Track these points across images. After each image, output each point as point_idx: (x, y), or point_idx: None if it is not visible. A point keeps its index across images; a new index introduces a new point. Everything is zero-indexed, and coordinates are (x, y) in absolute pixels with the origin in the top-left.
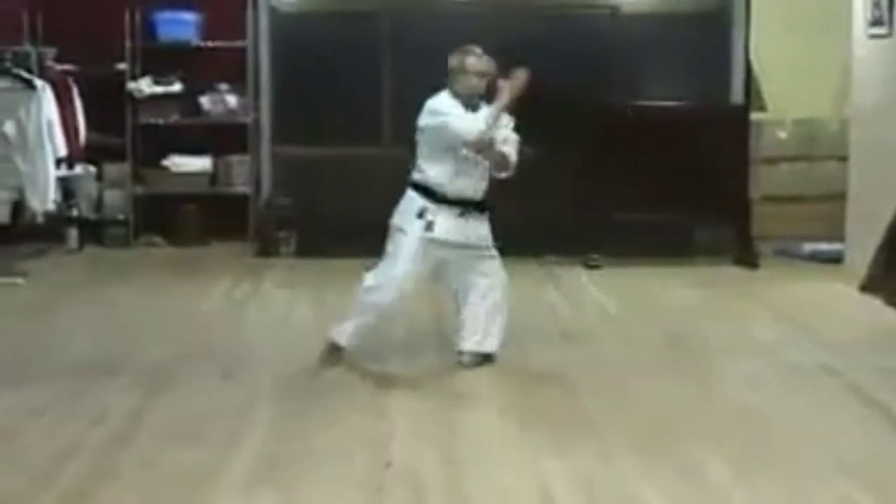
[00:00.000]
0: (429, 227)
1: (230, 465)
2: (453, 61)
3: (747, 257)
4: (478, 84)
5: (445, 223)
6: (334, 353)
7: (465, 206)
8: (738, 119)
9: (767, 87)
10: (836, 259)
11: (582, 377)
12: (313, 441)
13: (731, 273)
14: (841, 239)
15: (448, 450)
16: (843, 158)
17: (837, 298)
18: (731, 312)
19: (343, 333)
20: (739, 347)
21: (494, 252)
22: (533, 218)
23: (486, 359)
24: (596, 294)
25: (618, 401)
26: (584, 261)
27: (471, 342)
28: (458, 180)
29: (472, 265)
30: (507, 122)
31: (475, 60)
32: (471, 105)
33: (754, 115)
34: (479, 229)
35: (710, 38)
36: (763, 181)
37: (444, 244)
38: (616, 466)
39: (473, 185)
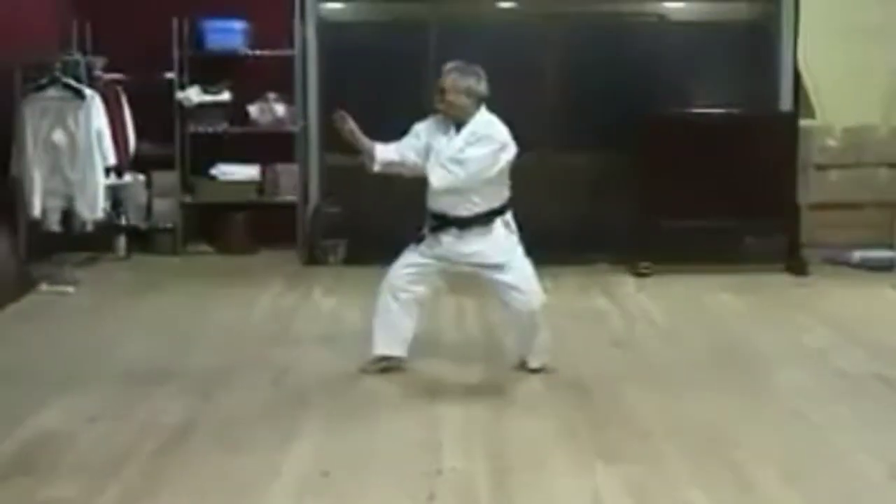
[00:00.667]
0: (419, 239)
1: (281, 472)
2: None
3: (797, 265)
4: (451, 101)
5: (428, 236)
6: (383, 364)
7: (443, 221)
8: (786, 126)
9: (815, 94)
10: (886, 266)
11: (632, 385)
12: (363, 448)
13: (781, 280)
14: (891, 246)
15: (498, 457)
16: (893, 165)
17: (887, 306)
18: (781, 320)
19: (374, 343)
20: (789, 355)
21: (505, 274)
22: (582, 225)
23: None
24: (645, 302)
25: (668, 408)
26: (634, 268)
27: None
28: (433, 197)
29: (482, 281)
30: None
31: (454, 77)
32: (456, 123)
33: (803, 123)
34: (468, 245)
35: (759, 46)
36: (812, 188)
37: (425, 254)
38: (667, 473)
39: (452, 203)
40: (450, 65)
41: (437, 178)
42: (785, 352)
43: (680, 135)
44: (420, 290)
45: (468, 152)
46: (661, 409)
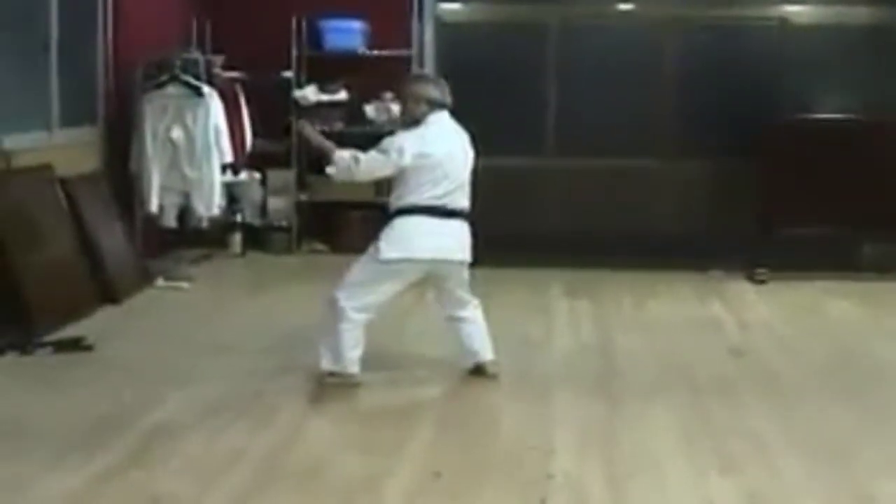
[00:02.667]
0: None
1: (394, 473)
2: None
3: None
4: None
5: None
6: None
7: None
8: None
9: None
10: None
11: (749, 393)
12: (476, 451)
13: None
14: None
15: (611, 462)
16: None
17: None
18: None
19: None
20: None
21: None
22: (698, 231)
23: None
24: (763, 309)
25: (787, 418)
26: (750, 275)
27: None
28: None
29: None
30: None
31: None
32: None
33: None
34: None
35: (881, 50)
36: None
37: None
38: (784, 485)
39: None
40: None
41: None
42: None
43: (799, 141)
44: None
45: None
46: (778, 418)
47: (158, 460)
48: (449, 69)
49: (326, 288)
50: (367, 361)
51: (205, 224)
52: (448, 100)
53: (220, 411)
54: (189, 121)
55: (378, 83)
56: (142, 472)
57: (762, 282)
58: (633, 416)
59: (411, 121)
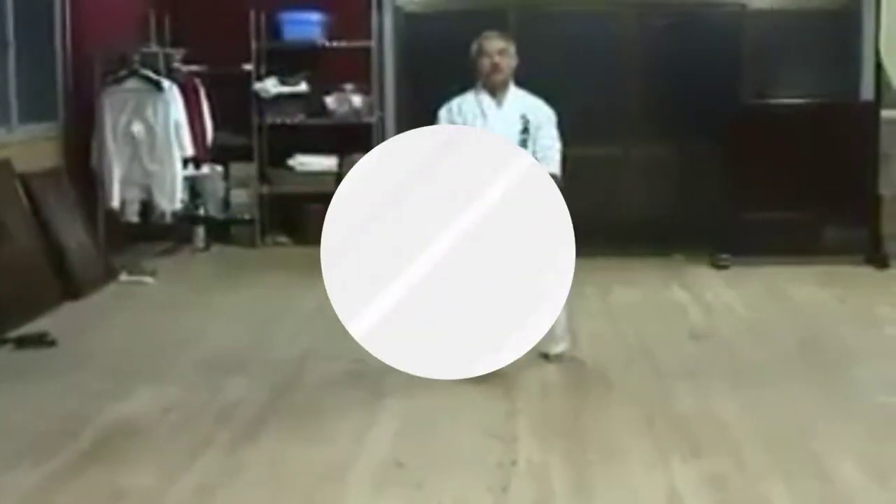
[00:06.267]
0: None
1: (357, 463)
2: (473, 47)
3: (878, 256)
4: (505, 64)
5: None
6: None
7: None
8: (867, 115)
9: None
10: None
11: (713, 378)
12: (439, 439)
13: (862, 272)
14: None
15: (574, 449)
16: None
17: None
18: (863, 313)
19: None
20: (873, 348)
21: None
22: (660, 216)
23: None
24: (725, 293)
25: (750, 402)
26: (712, 260)
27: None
28: None
29: None
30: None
31: (503, 41)
32: (491, 92)
33: (885, 112)
34: None
35: (839, 34)
36: (894, 178)
37: None
38: (747, 467)
39: None
40: (488, 32)
41: (557, 166)
42: (868, 345)
43: (761, 125)
44: None
45: (548, 129)
46: (740, 401)
47: (122, 455)
48: (409, 59)
49: (291, 280)
50: (330, 353)
51: (168, 218)
52: None
53: (182, 404)
54: (149, 115)
55: (338, 74)
56: (105, 467)
57: (725, 267)
58: (596, 402)
59: (502, 81)
